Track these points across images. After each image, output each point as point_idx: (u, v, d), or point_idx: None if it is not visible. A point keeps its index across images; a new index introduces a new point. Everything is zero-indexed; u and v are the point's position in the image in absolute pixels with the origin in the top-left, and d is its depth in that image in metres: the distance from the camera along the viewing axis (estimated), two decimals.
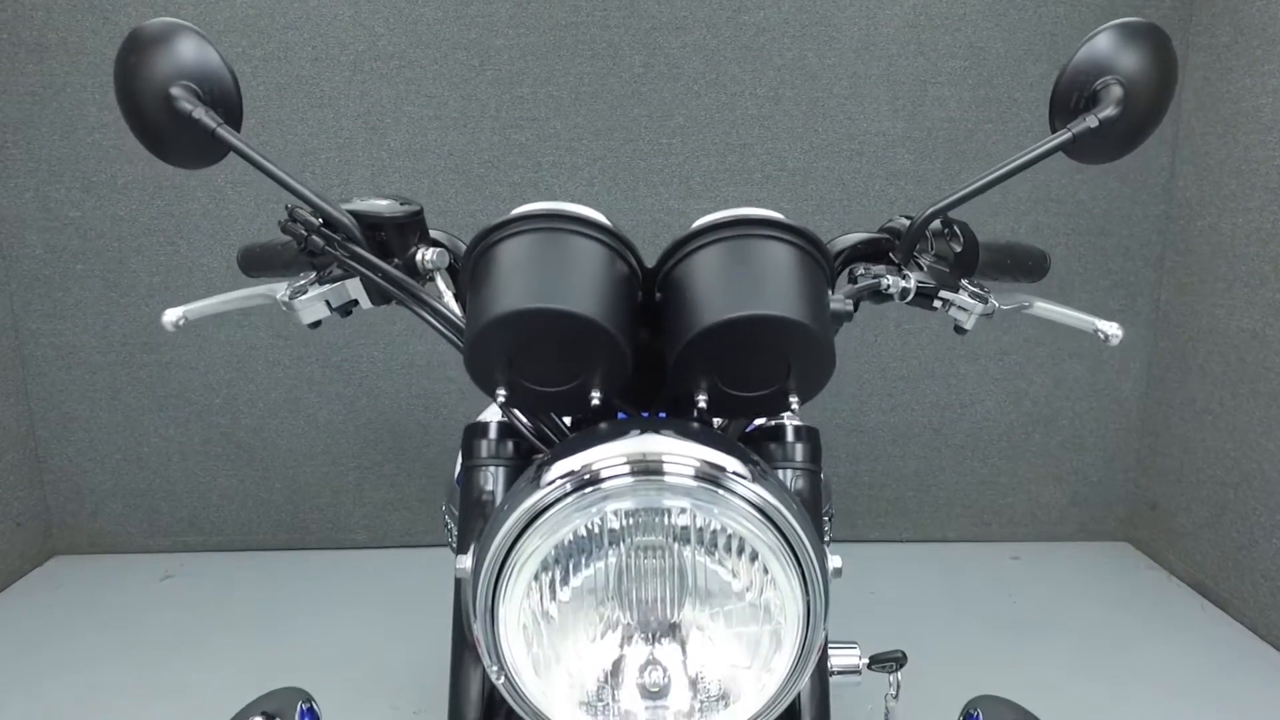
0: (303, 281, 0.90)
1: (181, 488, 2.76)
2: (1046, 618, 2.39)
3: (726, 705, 0.71)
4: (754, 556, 0.69)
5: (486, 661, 0.68)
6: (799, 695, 0.83)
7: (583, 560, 0.68)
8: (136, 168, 2.54)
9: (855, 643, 0.94)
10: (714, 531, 0.69)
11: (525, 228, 0.77)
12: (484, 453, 0.89)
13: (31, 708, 2.02)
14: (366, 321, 2.64)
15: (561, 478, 0.67)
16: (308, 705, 0.79)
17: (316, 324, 0.91)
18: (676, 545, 0.69)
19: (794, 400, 0.77)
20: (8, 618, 2.44)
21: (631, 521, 0.69)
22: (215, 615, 2.43)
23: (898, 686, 1.00)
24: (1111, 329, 0.89)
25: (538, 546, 0.67)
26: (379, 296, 0.92)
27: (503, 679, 0.69)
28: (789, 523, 0.68)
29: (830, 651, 0.91)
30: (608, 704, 0.70)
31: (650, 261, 0.82)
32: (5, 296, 2.60)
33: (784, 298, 0.73)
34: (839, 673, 0.92)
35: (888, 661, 0.99)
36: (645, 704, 0.71)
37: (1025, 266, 1.02)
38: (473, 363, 0.75)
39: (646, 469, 0.67)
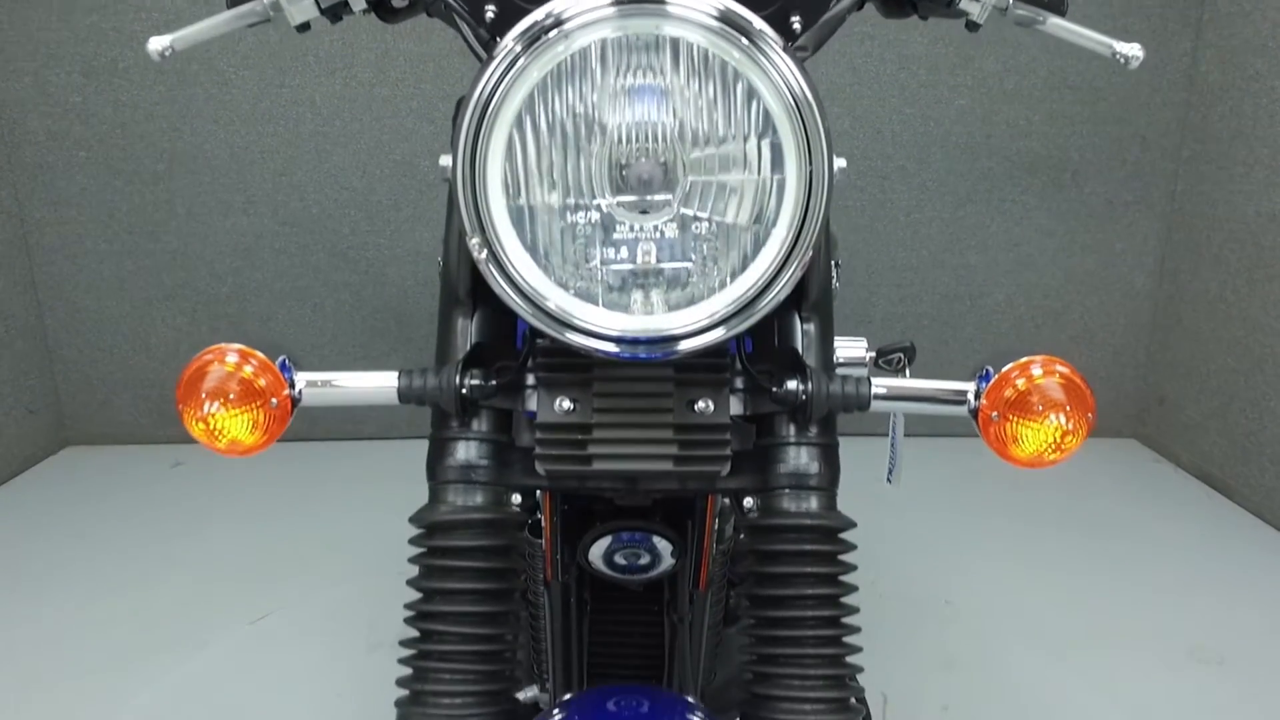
0: None
1: None
2: (1051, 512, 2.38)
3: (720, 277, 0.67)
4: (754, 112, 0.64)
5: (468, 233, 0.65)
6: (807, 371, 0.76)
7: (566, 98, 0.64)
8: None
9: (863, 338, 0.90)
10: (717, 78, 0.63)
11: None
12: None
13: (42, 591, 2.06)
14: (373, 206, 2.62)
15: (533, 25, 0.63)
16: (290, 362, 0.77)
17: (305, 27, 0.87)
18: (670, 75, 0.63)
19: (796, 21, 0.72)
20: (21, 503, 2.47)
21: (617, 47, 0.63)
22: (225, 503, 2.45)
23: None
24: (1132, 50, 0.84)
25: (516, 84, 0.63)
26: None
27: (485, 253, 0.66)
28: (805, 98, 0.63)
29: (837, 344, 0.88)
30: (595, 270, 0.67)
31: None
32: (9, 184, 2.58)
33: None
34: (845, 364, 0.89)
35: (894, 354, 0.93)
36: (631, 270, 0.67)
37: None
38: None
39: None
